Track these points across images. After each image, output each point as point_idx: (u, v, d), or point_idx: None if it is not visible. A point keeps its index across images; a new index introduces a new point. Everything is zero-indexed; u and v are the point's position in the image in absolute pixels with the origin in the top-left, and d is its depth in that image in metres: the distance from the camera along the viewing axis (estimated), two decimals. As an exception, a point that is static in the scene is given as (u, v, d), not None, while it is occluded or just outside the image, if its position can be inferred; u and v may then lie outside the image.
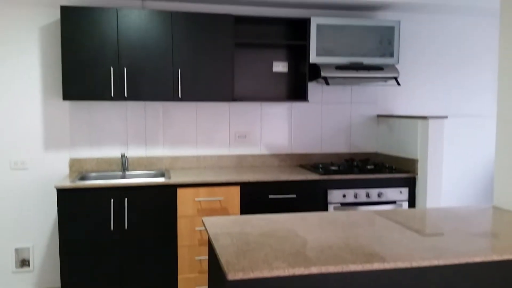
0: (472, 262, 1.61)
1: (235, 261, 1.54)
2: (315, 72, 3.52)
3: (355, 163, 3.70)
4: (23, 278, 3.49)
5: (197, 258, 3.17)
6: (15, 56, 3.38)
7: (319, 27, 3.47)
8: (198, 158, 3.74)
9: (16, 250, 3.46)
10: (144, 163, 3.64)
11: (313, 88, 3.90)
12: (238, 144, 3.84)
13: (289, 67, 3.83)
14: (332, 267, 1.50)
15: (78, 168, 3.52)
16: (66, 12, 3.12)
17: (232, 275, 1.44)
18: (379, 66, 3.58)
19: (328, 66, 3.48)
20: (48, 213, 3.49)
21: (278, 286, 1.53)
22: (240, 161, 3.83)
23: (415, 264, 1.55)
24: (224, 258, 1.57)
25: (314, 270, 1.48)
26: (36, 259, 3.50)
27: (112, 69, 3.20)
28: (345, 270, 1.51)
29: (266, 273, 1.46)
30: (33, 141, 3.45)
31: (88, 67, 3.17)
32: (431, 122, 3.33)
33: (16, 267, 3.47)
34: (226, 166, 3.80)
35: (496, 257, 1.62)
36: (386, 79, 3.61)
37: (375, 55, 3.58)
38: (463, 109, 4.23)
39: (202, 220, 2.08)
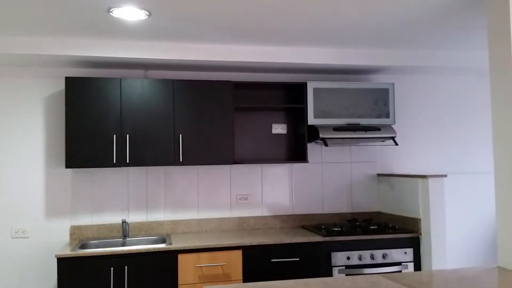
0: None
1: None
2: (313, 133, 3.59)
3: (358, 223, 3.67)
4: None
5: (199, 327, 3.06)
6: (19, 125, 3.46)
7: (315, 90, 3.58)
8: (199, 221, 3.72)
9: (13, 323, 3.36)
10: (145, 228, 3.61)
11: (312, 148, 3.95)
12: (240, 207, 3.83)
13: (288, 129, 3.91)
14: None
15: (79, 236, 3.49)
16: (71, 82, 3.24)
17: None
18: (376, 126, 3.64)
19: (326, 127, 3.55)
20: (48, 281, 3.42)
21: None
22: (242, 224, 3.80)
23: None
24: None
25: None
26: (32, 332, 3.38)
27: (114, 136, 3.26)
28: None
29: None
30: (35, 209, 3.45)
31: (91, 135, 3.24)
32: (431, 181, 3.34)
33: None
34: (228, 229, 3.77)
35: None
36: (383, 139, 3.66)
37: (371, 116, 3.66)
38: (462, 165, 4.25)
39: (203, 289, 2.04)
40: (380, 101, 3.68)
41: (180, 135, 3.37)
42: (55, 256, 2.88)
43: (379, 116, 3.68)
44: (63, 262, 2.90)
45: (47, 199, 3.48)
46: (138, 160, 3.30)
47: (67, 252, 2.93)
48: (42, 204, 3.46)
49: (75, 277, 2.91)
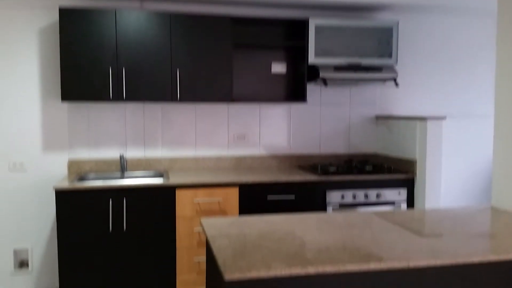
0: (469, 262, 1.61)
1: (232, 261, 1.53)
2: (313, 73, 3.53)
3: (354, 164, 3.70)
4: (21, 279, 3.48)
5: (196, 259, 3.16)
6: (13, 58, 3.38)
7: (317, 28, 3.47)
8: (196, 159, 3.74)
9: (15, 252, 3.46)
10: (143, 165, 3.64)
11: (311, 89, 3.91)
12: (237, 146, 3.84)
13: (288, 68, 3.84)
14: (329, 267, 1.49)
15: (77, 170, 3.52)
16: (65, 14, 3.13)
17: (229, 275, 1.44)
18: (378, 67, 3.58)
19: (326, 67, 3.48)
20: (46, 214, 3.49)
21: (275, 287, 1.53)
22: (239, 163, 3.83)
23: (412, 264, 1.55)
24: (221, 259, 1.56)
25: (311, 270, 1.48)
26: (34, 261, 3.50)
27: (110, 70, 3.20)
28: (342, 270, 1.51)
29: (263, 273, 1.46)
30: (32, 143, 3.45)
31: (87, 68, 3.18)
32: (429, 123, 3.33)
33: (15, 268, 3.47)
34: (224, 168, 3.80)
35: (493, 258, 1.62)
36: (384, 80, 3.61)
37: (373, 56, 3.58)
38: (462, 109, 4.23)
39: (201, 222, 2.08)
40: (383, 40, 3.58)
41: (178, 70, 3.31)
42: (54, 189, 2.91)
43: (381, 56, 3.60)
44: (61, 195, 2.93)
45: (44, 132, 3.47)
46: (135, 95, 3.26)
47: (66, 185, 2.96)
48: (39, 137, 3.46)
49: (73, 209, 2.96)
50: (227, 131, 3.81)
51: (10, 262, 3.46)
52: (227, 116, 3.80)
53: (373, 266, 1.53)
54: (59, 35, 3.12)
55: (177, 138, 3.71)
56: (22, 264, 3.49)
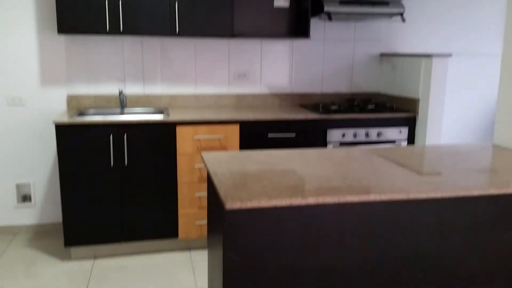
0: (470, 195, 1.62)
1: (233, 192, 1.54)
2: (317, 7, 3.40)
3: (356, 103, 3.66)
4: (25, 213, 3.55)
5: (197, 194, 3.21)
6: (5, -13, 3.24)
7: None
8: (197, 97, 3.70)
9: (17, 186, 3.50)
10: (142, 101, 3.60)
11: (315, 24, 3.78)
12: (238, 83, 3.77)
13: (291, 1, 3.69)
14: (329, 198, 1.50)
15: (76, 105, 3.48)
16: None
17: (230, 205, 1.44)
18: (384, 1, 3.44)
19: (331, 0, 3.34)
20: (47, 149, 3.50)
21: (275, 217, 1.55)
22: (240, 101, 3.78)
23: (412, 196, 1.56)
24: (222, 189, 1.57)
25: (311, 200, 1.49)
26: (37, 195, 3.55)
27: (106, 1, 3.07)
28: (342, 201, 1.52)
29: (263, 203, 1.47)
30: (30, 77, 3.38)
31: (82, -1, 3.05)
32: (435, 60, 3.25)
33: (18, 202, 3.52)
34: (225, 105, 3.76)
35: (493, 191, 1.62)
36: (391, 15, 3.48)
37: (380, -10, 3.44)
38: (468, 47, 4.12)
39: (201, 155, 2.08)
40: (391, -27, 3.42)
41: (176, 2, 3.18)
42: (53, 123, 2.89)
43: (388, -9, 3.45)
44: (61, 129, 2.92)
45: (42, 66, 3.39)
46: (132, 28, 3.15)
47: (66, 119, 2.94)
48: (36, 71, 3.39)
49: (74, 144, 2.96)
50: (228, 68, 3.73)
51: (13, 196, 3.51)
52: (228, 52, 3.70)
53: (373, 197, 1.53)
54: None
55: (177, 74, 3.64)
56: (25, 198, 3.55)
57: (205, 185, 3.21)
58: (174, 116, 3.13)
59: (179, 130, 3.11)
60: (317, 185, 1.63)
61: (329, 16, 3.32)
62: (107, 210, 3.09)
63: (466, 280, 1.78)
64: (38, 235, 3.53)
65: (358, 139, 3.37)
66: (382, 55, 3.93)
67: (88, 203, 3.05)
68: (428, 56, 3.30)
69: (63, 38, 3.39)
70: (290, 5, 3.69)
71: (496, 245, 1.76)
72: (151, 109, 3.50)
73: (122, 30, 3.13)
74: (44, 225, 3.59)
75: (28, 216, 3.56)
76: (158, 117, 3.10)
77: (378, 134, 3.39)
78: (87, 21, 3.08)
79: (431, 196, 1.58)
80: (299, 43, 3.81)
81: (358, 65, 3.95)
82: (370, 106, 3.51)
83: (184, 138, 3.12)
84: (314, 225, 1.59)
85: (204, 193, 3.22)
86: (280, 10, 3.70)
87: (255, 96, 3.80)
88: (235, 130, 3.20)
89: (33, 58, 3.36)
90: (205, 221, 3.25)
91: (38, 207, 3.57)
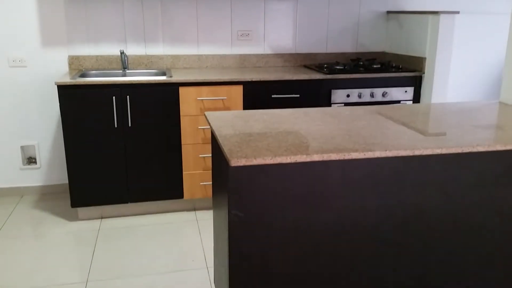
0: (475, 151, 1.61)
1: (237, 149, 1.54)
2: (322, -37, 3.29)
3: (361, 62, 3.61)
4: (30, 174, 3.59)
5: (201, 155, 3.22)
6: None
7: None
8: (199, 57, 3.65)
9: (22, 148, 3.52)
10: (144, 62, 3.56)
11: (320, -18, 3.68)
12: (241, 43, 3.71)
13: (295, -42, 3.58)
14: (334, 155, 1.50)
15: (78, 66, 3.45)
16: None
17: (234, 162, 1.45)
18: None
19: (337, -45, 3.24)
20: (50, 110, 3.49)
21: (279, 174, 1.55)
22: (243, 61, 3.73)
23: (417, 152, 1.55)
24: (227, 147, 1.57)
25: (316, 157, 1.49)
26: (42, 156, 3.57)
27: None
28: (347, 157, 1.51)
29: (268, 160, 1.47)
30: (30, 38, 3.33)
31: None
32: (442, 17, 3.17)
33: (23, 164, 3.55)
34: (228, 66, 3.71)
35: (499, 147, 1.61)
36: (398, -29, 3.38)
37: None
38: (477, 4, 4.01)
39: (205, 115, 2.07)
40: None
41: (177, -41, 3.09)
42: (55, 84, 2.87)
43: None
44: (63, 90, 2.90)
45: (42, 27, 3.33)
46: (133, -14, 3.08)
47: (67, 80, 2.91)
48: (37, 32, 3.33)
49: (77, 105, 2.94)
50: (231, 28, 3.66)
51: (18, 158, 3.53)
52: (230, 12, 3.62)
53: (378, 154, 1.53)
54: None
55: (178, 35, 3.58)
56: (30, 160, 3.57)
57: (209, 147, 3.22)
58: (176, 77, 3.10)
59: (182, 91, 3.08)
60: (322, 142, 1.62)
61: (335, -28, 3.22)
62: (112, 171, 3.12)
63: (470, 236, 1.80)
64: (45, 197, 3.58)
65: (363, 99, 3.34)
66: (389, 12, 3.84)
67: (93, 164, 3.07)
68: (435, 13, 3.22)
69: (62, -3, 3.32)
70: (294, -39, 3.58)
71: (501, 201, 1.77)
72: (153, 70, 3.46)
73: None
74: (50, 186, 3.63)
75: (34, 177, 3.60)
76: (161, 78, 3.07)
77: (384, 94, 3.36)
78: (86, -21, 3.01)
79: (436, 153, 1.57)
80: (302, 2, 3.72)
81: (364, 24, 3.86)
82: (375, 66, 3.45)
83: (188, 99, 3.10)
84: (318, 182, 1.59)
85: (208, 154, 3.23)
86: (284, -34, 3.59)
87: (258, 56, 3.75)
88: (238, 90, 3.17)
89: (33, 18, 3.30)
90: (209, 182, 3.27)
91: (43, 169, 3.60)
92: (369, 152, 1.52)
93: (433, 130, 1.82)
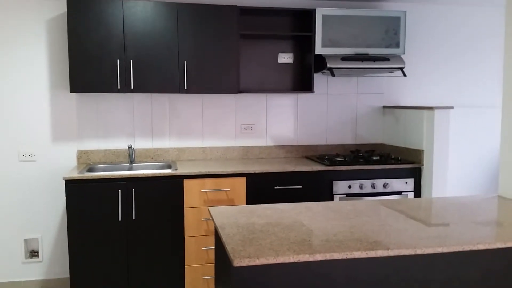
0: (476, 249, 1.62)
1: (240, 248, 1.56)
2: (320, 63, 3.52)
3: (361, 154, 3.71)
4: (32, 268, 3.54)
5: (204, 248, 3.20)
6: (22, 49, 3.41)
7: (324, 17, 3.46)
8: (204, 149, 3.77)
9: (25, 241, 3.51)
10: (151, 155, 3.67)
11: (318, 79, 3.90)
12: (244, 136, 3.85)
13: (295, 58, 3.83)
14: (337, 254, 1.51)
15: (86, 160, 3.56)
16: (73, 3, 3.14)
17: (237, 262, 1.46)
18: (385, 57, 3.57)
19: (333, 57, 3.47)
20: (56, 204, 3.53)
21: (282, 273, 1.55)
22: (246, 153, 3.84)
23: (419, 251, 1.56)
24: (230, 246, 1.59)
25: (318, 257, 1.50)
26: (45, 250, 3.55)
27: (118, 61, 3.22)
28: (350, 257, 1.52)
29: (271, 260, 1.48)
30: (41, 133, 3.48)
31: (95, 60, 3.19)
32: (437, 112, 3.32)
33: (26, 257, 3.52)
34: (232, 158, 3.82)
35: (500, 245, 1.62)
36: (392, 69, 3.60)
37: (380, 46, 3.57)
38: (469, 99, 4.21)
39: (209, 210, 2.10)
40: (391, 30, 3.57)
41: (185, 62, 3.32)
42: (63, 179, 2.94)
43: (389, 46, 3.59)
44: (71, 184, 2.97)
45: (53, 123, 3.50)
46: (143, 86, 3.28)
47: (75, 174, 2.99)
48: (48, 128, 3.49)
49: (83, 199, 3.00)
50: (234, 121, 3.82)
51: (21, 251, 3.51)
52: (234, 106, 3.81)
53: (380, 253, 1.54)
54: (67, 25, 3.14)
55: (184, 128, 3.73)
56: (33, 253, 3.54)
57: (212, 239, 3.21)
58: (181, 170, 3.18)
59: (187, 183, 3.15)
60: (324, 240, 1.64)
61: (332, 72, 3.44)
62: (114, 265, 3.08)
63: (479, 337, 1.74)
64: (44, 291, 3.50)
65: (365, 190, 3.39)
66: (385, 107, 4.02)
67: (95, 258, 3.05)
68: (430, 108, 3.37)
69: (74, 95, 3.52)
70: (294, 61, 3.83)
71: (508, 300, 1.74)
72: (159, 163, 3.56)
73: (133, 88, 3.25)
74: (51, 281, 3.56)
75: (35, 271, 3.54)
76: (166, 171, 3.15)
77: (385, 185, 3.41)
78: (99, 80, 3.21)
79: (438, 251, 1.58)
80: (303, 97, 3.92)
81: (362, 117, 4.03)
82: (375, 157, 3.55)
83: (192, 191, 3.15)
84: (322, 281, 1.58)
85: (211, 247, 3.21)
86: (285, 66, 3.83)
87: (261, 148, 3.87)
88: (241, 182, 3.23)
89: (45, 115, 3.48)
90: (212, 276, 3.21)
91: (45, 263, 3.55)
92: (371, 252, 1.53)
93: (435, 227, 1.84)
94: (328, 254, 1.50)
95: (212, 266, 3.21)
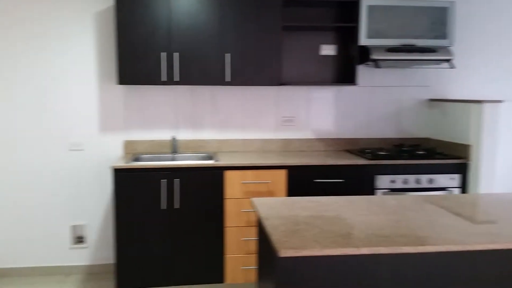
0: (531, 248, 1.55)
1: (285, 239, 1.56)
2: (363, 55, 3.46)
3: (405, 148, 3.62)
4: (78, 254, 3.68)
5: (243, 239, 3.22)
6: (71, 42, 3.52)
7: (370, 8, 3.39)
8: (244, 141, 3.79)
9: (72, 227, 3.65)
10: (192, 146, 3.72)
11: (361, 71, 3.83)
12: (284, 129, 3.84)
13: (337, 50, 3.78)
14: (384, 248, 1.49)
15: (131, 150, 3.65)
16: (120, -2, 3.22)
17: (283, 253, 1.46)
18: (432, 48, 3.46)
19: (378, 48, 3.40)
20: (102, 192, 3.65)
21: (327, 266, 1.55)
22: (286, 145, 3.84)
23: (469, 247, 1.52)
24: (274, 236, 1.59)
25: (365, 251, 1.48)
26: (90, 236, 3.68)
27: (164, 54, 3.27)
28: (397, 252, 1.50)
29: (316, 252, 1.47)
30: (90, 124, 3.60)
31: (141, 52, 3.26)
32: (485, 106, 3.20)
33: (72, 243, 3.66)
34: (272, 150, 3.82)
35: (557, 244, 1.55)
36: (439, 61, 3.49)
37: (427, 37, 3.47)
38: (521, 93, 4.03)
39: (252, 201, 2.12)
40: (438, 21, 3.45)
41: (228, 54, 3.34)
42: (112, 167, 3.04)
43: (436, 37, 3.47)
44: (119, 173, 3.06)
45: (101, 114, 3.61)
46: (186, 79, 3.32)
47: (123, 164, 3.08)
48: (96, 119, 3.61)
49: (129, 187, 3.09)
50: (275, 113, 3.82)
51: (68, 237, 3.66)
52: (275, 99, 3.80)
53: (429, 248, 1.51)
54: (116, 19, 3.22)
55: (225, 120, 3.76)
56: (79, 239, 3.68)
57: (252, 230, 3.23)
58: (222, 161, 3.22)
59: (228, 174, 3.18)
60: (370, 234, 1.62)
61: (377, 64, 3.37)
62: (157, 252, 3.16)
63: None
64: (89, 276, 3.63)
65: (409, 186, 3.31)
66: (431, 100, 3.90)
67: (139, 245, 3.14)
68: (478, 102, 3.25)
69: (120, 87, 3.61)
70: (336, 53, 3.78)
71: None
72: (200, 154, 3.61)
73: (177, 80, 3.31)
74: (95, 266, 3.69)
75: (81, 257, 3.68)
76: (208, 162, 3.19)
77: (429, 181, 3.32)
78: (144, 72, 3.28)
79: (488, 248, 1.53)
80: (345, 89, 3.86)
81: (406, 110, 3.93)
82: (419, 152, 3.46)
83: (232, 182, 3.18)
84: (366, 276, 1.57)
85: (250, 238, 3.23)
86: (327, 58, 3.79)
87: (301, 141, 3.85)
88: (282, 175, 3.23)
89: (93, 106, 3.59)
90: (251, 267, 3.24)
91: (90, 248, 3.69)
92: (420, 247, 1.50)
93: (483, 223, 1.78)
94: (375, 248, 1.48)
95: (251, 257, 3.24)
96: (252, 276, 3.26)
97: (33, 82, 3.51)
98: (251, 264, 3.25)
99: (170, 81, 3.31)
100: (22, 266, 3.62)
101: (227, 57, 3.34)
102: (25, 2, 3.44)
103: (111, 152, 3.64)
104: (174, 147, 3.59)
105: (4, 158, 3.54)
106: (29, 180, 3.58)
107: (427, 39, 3.47)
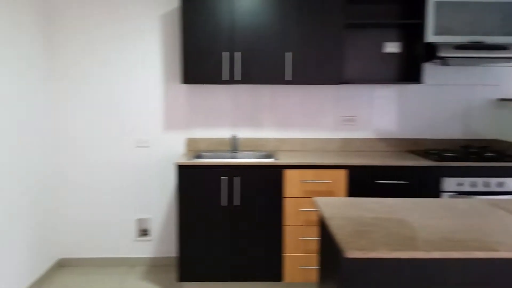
0: None
1: (351, 240, 1.55)
2: (429, 52, 3.34)
3: (473, 150, 3.47)
4: (143, 246, 3.84)
5: (301, 238, 3.22)
6: (138, 44, 3.67)
7: (437, 4, 3.27)
8: (303, 140, 3.78)
9: (138, 221, 3.82)
10: (252, 144, 3.77)
11: (425, 69, 3.71)
12: (345, 128, 3.80)
13: (402, 46, 3.68)
14: (456, 253, 1.44)
15: (193, 147, 3.76)
16: (186, 0, 3.31)
17: (350, 254, 1.45)
18: (502, 45, 3.28)
19: (445, 45, 3.27)
20: (166, 187, 3.79)
21: (394, 269, 1.52)
22: (346, 145, 3.79)
23: (550, 256, 1.44)
24: (340, 237, 1.58)
25: (435, 255, 1.44)
26: (154, 230, 3.83)
27: (226, 54, 3.34)
28: (469, 256, 1.44)
29: (384, 254, 1.45)
30: (155, 122, 3.75)
31: (205, 53, 3.34)
32: None
33: (137, 236, 3.83)
34: (331, 150, 3.79)
35: None
36: (509, 59, 3.30)
37: (497, 34, 3.30)
38: None
39: (315, 200, 2.12)
40: (509, 16, 3.27)
41: (288, 53, 3.34)
42: (176, 164, 3.15)
43: (506, 34, 3.29)
44: (182, 169, 3.17)
45: (165, 113, 3.74)
46: (248, 78, 3.37)
47: (186, 160, 3.19)
48: (161, 117, 3.75)
49: (192, 183, 3.18)
50: (335, 113, 3.78)
51: (133, 230, 3.82)
52: (335, 98, 3.77)
53: (503, 254, 1.44)
54: (182, 20, 3.31)
55: (284, 119, 3.78)
56: (144, 232, 3.84)
57: (311, 230, 3.22)
58: (282, 160, 3.23)
59: (287, 173, 3.19)
60: (439, 237, 1.57)
61: (444, 62, 3.24)
62: (217, 247, 3.24)
63: None
64: (153, 268, 3.78)
65: (477, 189, 3.17)
66: (501, 100, 3.71)
67: (200, 239, 3.23)
68: (556, 101, 3.05)
69: (184, 87, 3.72)
70: (400, 50, 3.68)
71: None
72: (260, 152, 3.65)
73: (239, 80, 3.36)
74: (158, 259, 3.84)
75: (145, 249, 3.84)
76: (267, 160, 3.22)
77: (499, 185, 3.16)
78: (207, 72, 3.36)
79: None
80: (408, 88, 3.75)
81: (473, 110, 3.76)
82: (489, 154, 3.29)
83: (292, 181, 3.19)
84: (435, 280, 1.52)
85: (309, 237, 3.22)
86: (390, 56, 3.70)
87: (361, 141, 3.78)
88: (342, 175, 3.20)
89: (158, 105, 3.73)
90: (309, 266, 3.24)
91: (154, 241, 3.84)
92: (494, 252, 1.44)
93: None
94: (446, 253, 1.44)
95: (310, 257, 3.23)
96: (311, 276, 3.26)
97: (103, 83, 3.70)
98: (310, 264, 3.24)
99: (231, 80, 3.37)
100: (90, 256, 3.83)
101: (288, 55, 3.35)
102: (102, 6, 3.63)
103: (174, 149, 3.76)
104: (234, 145, 3.65)
105: (77, 154, 3.76)
106: (99, 175, 3.78)
107: (497, 36, 3.30)
